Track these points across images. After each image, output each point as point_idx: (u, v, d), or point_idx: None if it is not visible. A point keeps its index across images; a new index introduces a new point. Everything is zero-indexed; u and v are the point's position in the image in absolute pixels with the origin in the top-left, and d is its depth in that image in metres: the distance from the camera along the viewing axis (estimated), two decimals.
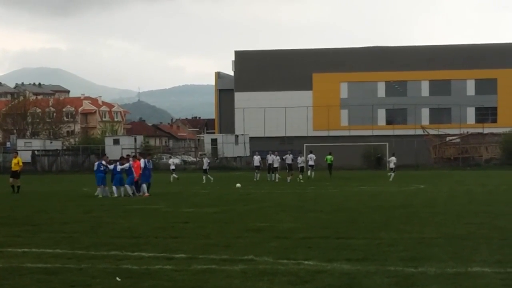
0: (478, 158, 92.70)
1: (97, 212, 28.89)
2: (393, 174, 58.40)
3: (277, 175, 58.23)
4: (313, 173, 60.85)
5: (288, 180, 55.81)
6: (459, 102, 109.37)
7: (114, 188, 38.80)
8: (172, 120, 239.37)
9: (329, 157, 67.33)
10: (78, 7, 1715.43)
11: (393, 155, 62.51)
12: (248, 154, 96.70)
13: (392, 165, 60.17)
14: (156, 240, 19.56)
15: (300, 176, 58.65)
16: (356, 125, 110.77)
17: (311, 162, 61.82)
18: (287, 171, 58.73)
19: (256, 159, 62.23)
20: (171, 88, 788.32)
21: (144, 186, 39.51)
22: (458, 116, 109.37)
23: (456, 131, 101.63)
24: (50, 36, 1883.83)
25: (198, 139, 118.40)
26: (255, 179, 58.17)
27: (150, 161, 43.07)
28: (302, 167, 60.53)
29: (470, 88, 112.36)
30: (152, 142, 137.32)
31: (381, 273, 14.16)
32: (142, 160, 40.47)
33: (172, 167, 65.01)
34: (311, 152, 64.19)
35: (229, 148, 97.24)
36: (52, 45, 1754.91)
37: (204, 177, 57.23)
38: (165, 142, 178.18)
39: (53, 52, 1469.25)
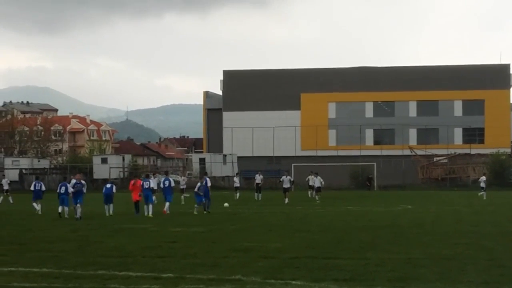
0: (466, 178, 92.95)
1: (84, 231, 28.80)
2: (484, 193, 60.11)
3: (316, 196, 57.62)
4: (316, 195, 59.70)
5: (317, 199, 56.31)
6: (447, 122, 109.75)
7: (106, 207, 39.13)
8: (160, 139, 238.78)
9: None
10: (64, 25, 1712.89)
11: (483, 175, 64.07)
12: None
13: (483, 184, 61.94)
14: (144, 259, 19.52)
15: (316, 196, 57.84)
16: (344, 145, 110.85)
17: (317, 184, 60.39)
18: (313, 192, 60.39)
19: (236, 179, 63.55)
20: (159, 107, 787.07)
21: (167, 204, 40.71)
22: (446, 137, 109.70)
23: (444, 152, 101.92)
24: (36, 54, 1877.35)
25: (186, 159, 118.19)
26: (235, 198, 58.81)
27: (170, 179, 43.72)
28: (319, 187, 59.26)
29: (458, 109, 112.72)
30: (140, 161, 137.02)
31: None
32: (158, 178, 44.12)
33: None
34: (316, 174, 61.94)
35: (217, 167, 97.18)
36: (38, 63, 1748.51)
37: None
38: (153, 161, 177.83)
39: (40, 70, 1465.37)
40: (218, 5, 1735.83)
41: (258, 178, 61.03)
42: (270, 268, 17.48)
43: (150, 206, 38.74)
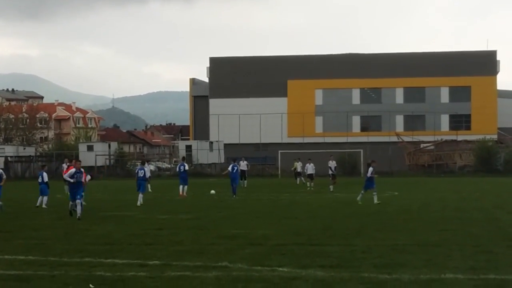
0: (452, 165, 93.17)
1: (70, 219, 28.68)
2: None
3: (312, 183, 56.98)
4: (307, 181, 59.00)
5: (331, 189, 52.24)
6: (433, 109, 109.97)
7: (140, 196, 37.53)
8: (146, 126, 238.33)
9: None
10: (48, 11, 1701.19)
11: None
12: (222, 160, 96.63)
13: None
14: (130, 247, 19.47)
15: (312, 184, 57.14)
16: (331, 132, 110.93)
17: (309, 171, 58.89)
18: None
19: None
20: (145, 95, 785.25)
21: (183, 187, 44.15)
22: (432, 123, 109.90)
23: (430, 138, 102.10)
24: (21, 42, 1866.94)
25: (173, 146, 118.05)
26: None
27: (185, 164, 46.23)
28: (311, 174, 58.09)
29: (444, 95, 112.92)
30: (126, 148, 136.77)
31: (355, 280, 14.17)
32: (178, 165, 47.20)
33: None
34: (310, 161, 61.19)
35: (204, 154, 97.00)
36: (23, 51, 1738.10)
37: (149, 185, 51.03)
38: (140, 148, 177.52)
39: (25, 58, 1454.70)
40: None
41: (243, 165, 60.70)
42: (256, 255, 17.46)
43: (141, 196, 37.28)
